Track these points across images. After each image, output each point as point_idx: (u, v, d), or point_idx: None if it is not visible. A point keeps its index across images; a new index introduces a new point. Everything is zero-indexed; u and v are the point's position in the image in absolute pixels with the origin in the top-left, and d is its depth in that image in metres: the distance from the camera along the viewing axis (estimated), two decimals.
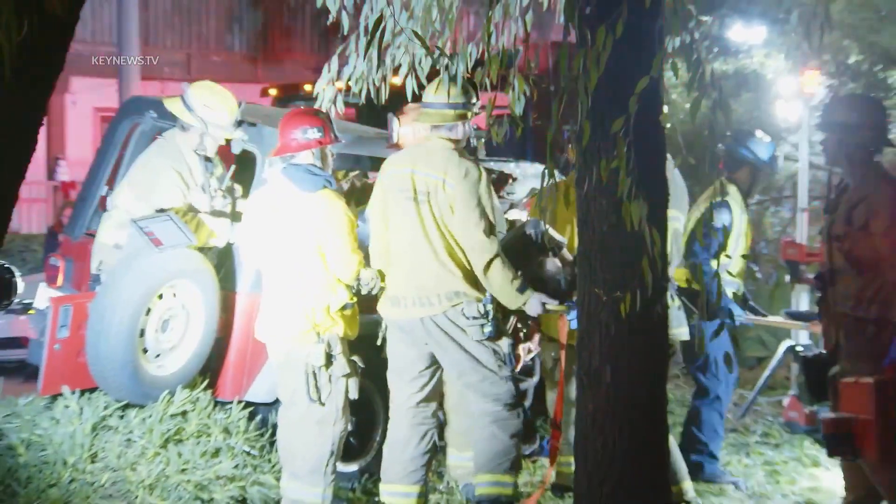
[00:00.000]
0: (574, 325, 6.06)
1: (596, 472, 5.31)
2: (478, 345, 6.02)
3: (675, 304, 6.37)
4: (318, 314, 6.04)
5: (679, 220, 6.42)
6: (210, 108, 6.82)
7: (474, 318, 5.99)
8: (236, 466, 6.31)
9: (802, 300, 9.21)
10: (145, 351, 6.32)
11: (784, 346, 9.20)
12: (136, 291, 6.23)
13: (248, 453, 6.43)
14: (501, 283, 5.95)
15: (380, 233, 6.20)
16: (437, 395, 6.27)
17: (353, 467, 6.85)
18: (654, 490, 5.30)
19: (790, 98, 10.00)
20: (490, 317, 6.00)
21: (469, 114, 6.13)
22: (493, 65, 5.51)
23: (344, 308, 6.09)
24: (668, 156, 6.24)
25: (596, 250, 5.20)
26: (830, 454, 5.61)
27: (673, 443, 6.37)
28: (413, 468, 6.12)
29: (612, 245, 5.15)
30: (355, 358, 6.15)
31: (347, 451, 6.92)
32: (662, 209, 5.16)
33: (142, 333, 6.29)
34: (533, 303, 6.03)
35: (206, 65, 20.95)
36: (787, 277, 9.39)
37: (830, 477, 7.41)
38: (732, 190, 7.63)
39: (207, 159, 6.93)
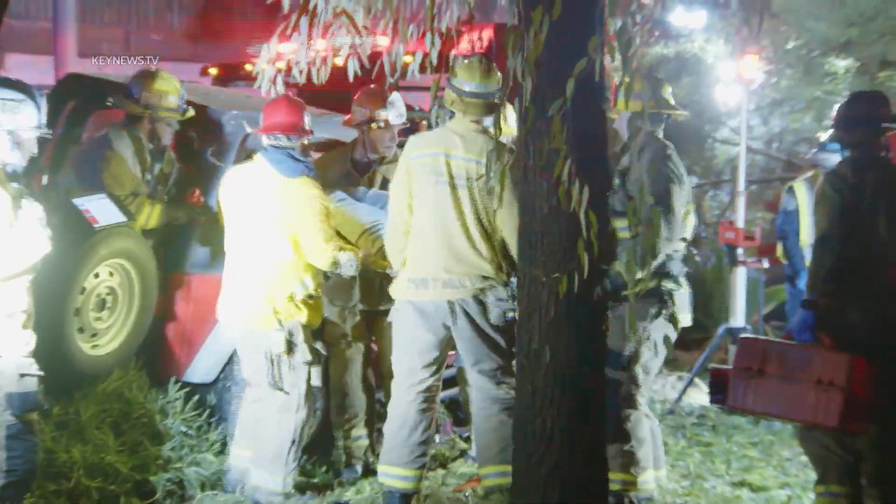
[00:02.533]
0: None
1: (535, 452, 5.34)
2: (496, 330, 5.98)
3: (682, 289, 6.32)
4: (279, 301, 6.02)
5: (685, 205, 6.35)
6: (153, 92, 6.74)
7: (501, 300, 5.96)
8: (173, 448, 6.27)
9: (740, 283, 9.31)
10: (81, 330, 6.24)
11: (722, 327, 9.31)
12: (71, 270, 6.13)
13: (186, 434, 6.39)
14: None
15: (399, 215, 6.09)
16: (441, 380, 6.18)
17: None
18: (592, 470, 5.35)
19: (730, 82, 10.09)
20: (515, 301, 5.92)
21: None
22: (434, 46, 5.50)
23: (309, 297, 6.08)
24: (669, 143, 6.31)
25: (537, 232, 5.22)
26: (710, 400, 6.29)
27: (657, 431, 6.35)
28: (418, 453, 6.03)
29: (553, 227, 5.17)
30: (318, 346, 6.15)
31: None
32: (602, 191, 5.19)
33: (77, 312, 6.21)
34: None
35: (145, 43, 20.68)
36: (726, 260, 9.53)
37: (765, 458, 7.51)
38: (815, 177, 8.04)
39: (161, 150, 6.85)
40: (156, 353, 6.62)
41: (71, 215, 6.17)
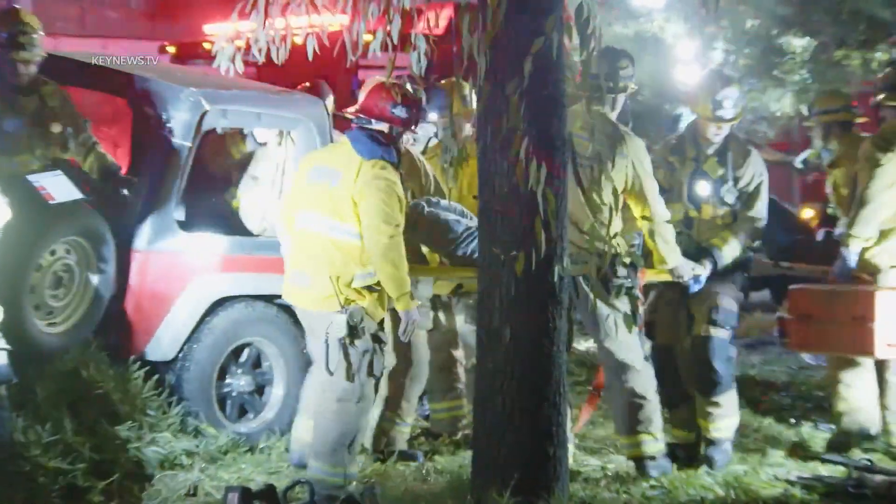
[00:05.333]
0: (693, 290, 6.62)
1: (495, 430, 5.38)
2: (613, 302, 6.31)
3: None
4: (342, 284, 5.89)
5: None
6: None
7: (623, 277, 6.30)
8: (131, 427, 6.24)
9: None
10: (37, 308, 6.19)
11: None
12: (27, 247, 6.07)
13: (145, 413, 6.36)
14: (673, 245, 6.44)
15: None
16: None
17: (252, 426, 6.82)
18: (552, 449, 5.38)
19: (689, 62, 10.15)
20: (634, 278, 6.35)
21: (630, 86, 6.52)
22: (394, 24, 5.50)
23: (369, 287, 5.93)
24: (753, 149, 6.88)
25: (496, 210, 5.24)
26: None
27: (653, 393, 6.51)
28: None
29: (512, 206, 5.19)
30: (380, 333, 6.00)
31: (245, 410, 6.91)
32: (560, 171, 5.20)
33: (33, 290, 6.15)
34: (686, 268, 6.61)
35: (102, 20, 20.47)
36: None
37: None
38: None
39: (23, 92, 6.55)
40: (114, 331, 6.57)
41: (26, 192, 6.09)
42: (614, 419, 6.66)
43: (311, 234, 6.01)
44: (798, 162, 8.79)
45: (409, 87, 6.19)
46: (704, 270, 6.62)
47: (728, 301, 6.70)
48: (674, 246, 6.51)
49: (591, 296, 6.21)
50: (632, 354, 6.41)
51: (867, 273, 6.87)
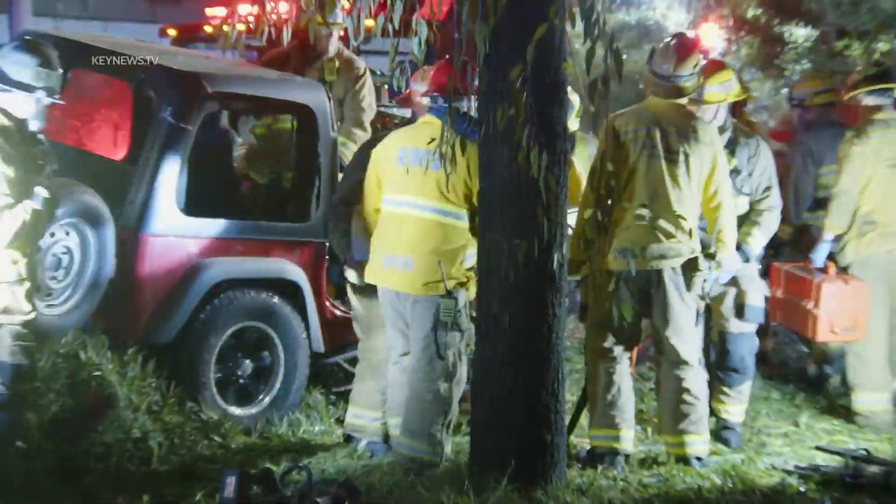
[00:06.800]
0: (722, 281, 6.66)
1: (493, 416, 5.39)
2: (688, 298, 6.29)
3: None
4: (451, 267, 5.89)
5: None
6: None
7: (700, 271, 6.30)
8: (130, 409, 6.25)
9: None
10: (36, 289, 6.17)
11: None
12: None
13: (143, 395, 6.36)
14: (734, 240, 6.51)
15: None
16: None
17: (250, 411, 6.83)
18: (550, 435, 5.39)
19: None
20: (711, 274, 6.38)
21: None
22: (395, 9, 5.49)
23: (471, 268, 5.93)
24: (760, 138, 6.97)
25: (497, 197, 5.24)
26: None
27: (705, 397, 6.49)
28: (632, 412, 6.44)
29: (513, 193, 5.18)
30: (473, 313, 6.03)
31: (243, 395, 6.91)
32: (562, 158, 5.20)
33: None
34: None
35: (103, 3, 20.46)
36: None
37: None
38: None
39: None
40: (114, 313, 6.57)
41: None
42: (661, 415, 6.58)
43: (413, 217, 5.98)
44: None
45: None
46: (737, 264, 6.69)
47: (755, 297, 6.88)
48: (733, 236, 6.50)
49: (672, 290, 6.22)
50: (693, 353, 6.37)
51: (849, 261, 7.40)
